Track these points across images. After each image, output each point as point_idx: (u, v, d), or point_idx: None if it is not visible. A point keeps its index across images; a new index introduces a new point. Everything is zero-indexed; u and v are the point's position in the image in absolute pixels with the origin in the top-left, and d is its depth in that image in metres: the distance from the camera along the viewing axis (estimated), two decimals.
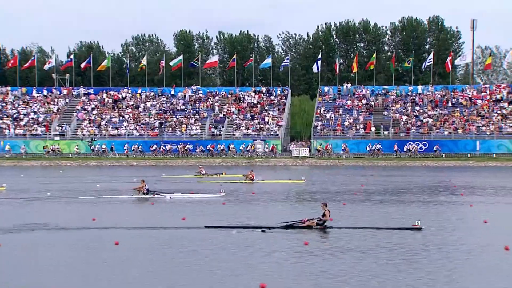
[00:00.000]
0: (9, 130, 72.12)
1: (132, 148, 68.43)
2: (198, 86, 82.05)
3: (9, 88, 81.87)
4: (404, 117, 71.78)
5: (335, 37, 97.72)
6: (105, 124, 73.94)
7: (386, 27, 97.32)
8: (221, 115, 74.99)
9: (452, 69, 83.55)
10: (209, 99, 78.57)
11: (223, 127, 72.37)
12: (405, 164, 60.79)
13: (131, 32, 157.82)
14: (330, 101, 77.06)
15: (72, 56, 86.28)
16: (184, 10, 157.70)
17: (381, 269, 13.79)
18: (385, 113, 73.34)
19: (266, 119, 73.64)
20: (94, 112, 76.81)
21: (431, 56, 79.71)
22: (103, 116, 75.85)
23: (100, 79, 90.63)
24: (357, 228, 19.34)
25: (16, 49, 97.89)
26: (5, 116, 75.73)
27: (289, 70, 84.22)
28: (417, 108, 73.65)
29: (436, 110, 72.54)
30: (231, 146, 68.00)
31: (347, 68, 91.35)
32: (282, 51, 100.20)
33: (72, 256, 15.56)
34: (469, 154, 64.56)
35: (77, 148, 69.16)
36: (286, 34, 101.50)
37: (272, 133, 71.07)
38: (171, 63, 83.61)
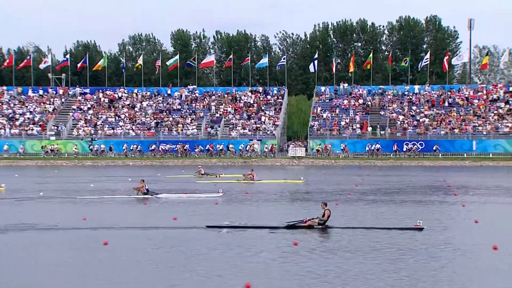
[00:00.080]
0: (5, 130, 71.99)
1: (131, 148, 68.42)
2: (194, 86, 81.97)
3: (4, 87, 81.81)
4: (401, 117, 71.75)
5: (332, 36, 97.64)
6: (101, 124, 73.83)
7: (383, 26, 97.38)
8: (218, 115, 74.93)
9: (449, 69, 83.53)
10: (205, 99, 78.49)
11: (219, 127, 72.32)
12: (401, 164, 60.78)
13: (130, 32, 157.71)
14: (326, 100, 77.01)
15: (68, 56, 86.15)
16: (184, 10, 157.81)
17: (367, 269, 13.72)
18: (382, 112, 73.31)
19: (263, 119, 73.57)
20: (90, 112, 76.71)
21: (428, 55, 79.70)
22: (99, 116, 75.73)
23: (97, 79, 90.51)
24: (357, 228, 19.25)
25: (12, 49, 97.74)
26: (0, 116, 75.59)
27: (285, 70, 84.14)
28: (414, 107, 73.63)
29: (433, 110, 72.51)
30: (230, 146, 67.95)
31: (344, 67, 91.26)
32: (279, 51, 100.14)
33: (63, 256, 15.48)
34: (465, 154, 64.56)
35: (75, 148, 69.09)
36: (283, 34, 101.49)
37: (268, 133, 71.00)
38: (167, 63, 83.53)
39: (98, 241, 16.94)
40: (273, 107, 76.37)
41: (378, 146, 66.13)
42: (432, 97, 75.01)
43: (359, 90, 78.04)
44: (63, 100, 79.50)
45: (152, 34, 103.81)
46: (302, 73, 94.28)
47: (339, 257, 15.04)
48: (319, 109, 74.76)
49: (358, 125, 70.84)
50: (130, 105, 78.24)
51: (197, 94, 79.70)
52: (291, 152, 67.02)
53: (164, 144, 68.66)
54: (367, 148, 66.47)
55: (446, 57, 79.20)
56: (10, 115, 75.57)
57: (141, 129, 72.38)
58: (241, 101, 77.90)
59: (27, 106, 77.59)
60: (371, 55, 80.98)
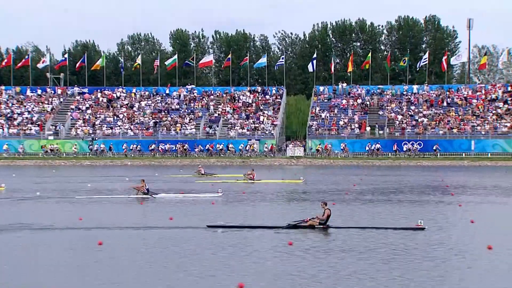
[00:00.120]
0: (3, 130, 71.94)
1: (131, 148, 68.40)
2: (193, 86, 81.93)
3: (3, 87, 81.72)
4: (399, 117, 71.72)
5: (331, 36, 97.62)
6: (100, 124, 73.78)
7: (382, 26, 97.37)
8: (216, 115, 74.89)
9: (448, 69, 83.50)
10: (204, 99, 78.45)
11: (217, 126, 72.28)
12: (399, 164, 60.76)
13: (130, 32, 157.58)
14: (325, 100, 76.98)
15: (66, 55, 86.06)
16: (184, 10, 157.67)
17: (360, 269, 13.69)
18: (380, 112, 73.28)
19: (261, 118, 73.53)
20: (89, 111, 76.65)
21: (426, 55, 79.67)
22: (98, 116, 75.69)
23: (96, 79, 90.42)
24: (357, 228, 19.18)
25: (11, 48, 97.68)
26: None
27: (284, 70, 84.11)
28: (412, 107, 73.61)
29: (431, 110, 72.49)
30: (230, 145, 67.93)
31: (343, 67, 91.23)
32: (278, 51, 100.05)
33: (59, 256, 15.45)
34: (464, 154, 64.54)
35: (75, 148, 69.06)
36: (282, 34, 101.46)
37: (267, 132, 70.96)
38: (166, 63, 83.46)
39: (93, 242, 16.89)
40: (272, 107, 76.34)
41: (378, 146, 66.11)
42: (430, 97, 74.99)
43: (357, 90, 78.00)
44: (61, 99, 79.46)
45: (151, 33, 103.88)
46: (301, 72, 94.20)
47: (332, 257, 15.00)
48: (317, 109, 74.72)
49: (356, 125, 70.82)
50: (129, 104, 78.20)
51: (195, 94, 79.66)
52: (289, 152, 66.99)
53: (164, 144, 68.62)
54: (367, 148, 66.46)
55: (445, 57, 79.17)
56: (8, 115, 75.50)
57: (139, 129, 72.33)
58: (240, 101, 77.87)
59: (25, 106, 77.53)
60: (369, 54, 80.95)
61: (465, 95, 74.63)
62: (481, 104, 72.29)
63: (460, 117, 70.50)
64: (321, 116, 73.11)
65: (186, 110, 76.22)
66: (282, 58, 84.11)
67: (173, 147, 68.24)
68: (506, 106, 71.87)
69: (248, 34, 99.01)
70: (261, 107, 76.22)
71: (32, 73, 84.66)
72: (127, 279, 13.14)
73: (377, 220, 21.04)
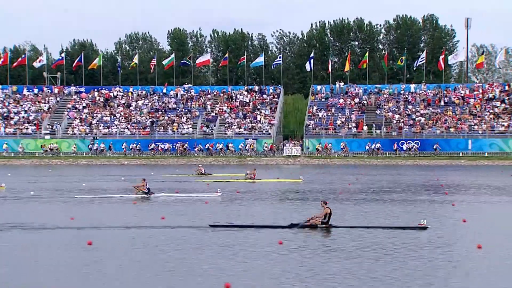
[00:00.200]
0: None
1: (130, 147, 68.36)
2: (190, 85, 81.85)
3: None
4: (397, 116, 71.68)
5: (329, 35, 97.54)
6: (96, 123, 73.71)
7: (380, 25, 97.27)
8: (213, 114, 74.83)
9: (446, 68, 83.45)
10: (201, 98, 78.38)
11: (214, 125, 72.23)
12: (396, 163, 60.73)
13: (129, 32, 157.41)
14: (322, 99, 76.93)
15: (63, 54, 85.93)
16: (184, 10, 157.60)
17: (345, 269, 13.63)
18: (378, 111, 73.24)
19: (258, 117, 73.48)
20: (85, 110, 76.59)
21: (424, 54, 79.62)
22: (94, 115, 75.62)
23: (93, 78, 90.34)
24: (357, 228, 19.11)
25: (8, 47, 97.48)
26: None
27: (281, 69, 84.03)
28: (410, 106, 73.58)
29: (429, 109, 72.47)
30: (230, 145, 67.88)
31: (341, 66, 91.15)
32: (276, 50, 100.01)
33: (52, 255, 15.41)
34: (461, 153, 64.55)
35: (74, 147, 69.01)
36: (280, 33, 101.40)
37: (264, 132, 70.92)
38: (163, 62, 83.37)
39: (83, 241, 16.84)
40: (269, 106, 76.28)
41: (378, 145, 66.07)
42: (428, 96, 74.95)
43: (355, 89, 77.96)
44: (58, 99, 79.38)
45: (148, 32, 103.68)
46: (298, 72, 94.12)
47: (320, 257, 14.94)
48: (315, 108, 74.68)
49: (354, 124, 70.79)
50: (126, 104, 78.13)
51: (192, 93, 79.60)
52: (286, 151, 66.94)
53: (164, 144, 68.56)
54: (367, 147, 66.43)
55: (442, 56, 79.11)
56: (5, 114, 75.43)
57: (136, 128, 72.26)
58: (237, 100, 77.80)
59: (22, 105, 77.46)
60: (367, 54, 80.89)
61: (462, 95, 74.60)
62: (478, 104, 72.28)
63: (457, 116, 70.49)
64: (318, 115, 73.06)
65: (183, 109, 76.16)
66: (280, 57, 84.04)
67: (172, 146, 68.16)
68: (503, 105, 71.85)
69: (246, 33, 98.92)
70: (258, 106, 76.18)
71: (29, 72, 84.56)
72: (116, 279, 13.08)
73: (370, 220, 20.99)
